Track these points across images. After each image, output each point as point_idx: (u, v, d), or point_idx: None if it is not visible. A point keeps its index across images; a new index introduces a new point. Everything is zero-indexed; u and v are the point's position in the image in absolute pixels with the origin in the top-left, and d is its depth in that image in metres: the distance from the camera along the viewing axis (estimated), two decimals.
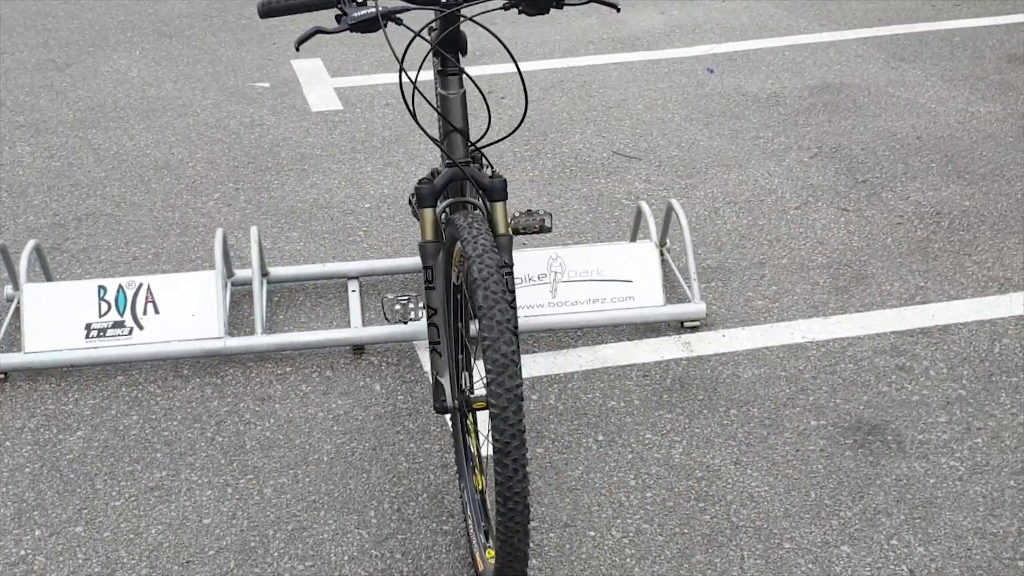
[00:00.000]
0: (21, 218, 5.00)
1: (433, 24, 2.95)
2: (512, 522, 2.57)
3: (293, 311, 4.22)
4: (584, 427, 3.55)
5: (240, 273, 4.28)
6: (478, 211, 2.85)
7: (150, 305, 3.91)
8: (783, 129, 5.73)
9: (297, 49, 2.72)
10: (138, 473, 3.39)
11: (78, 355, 3.84)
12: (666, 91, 6.30)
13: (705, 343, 3.97)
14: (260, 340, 3.90)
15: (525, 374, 3.80)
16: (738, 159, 5.41)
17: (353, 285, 4.26)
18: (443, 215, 2.95)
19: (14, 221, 4.97)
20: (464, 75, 2.90)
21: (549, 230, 3.67)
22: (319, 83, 6.57)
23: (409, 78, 2.74)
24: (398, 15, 2.72)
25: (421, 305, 3.41)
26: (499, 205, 2.87)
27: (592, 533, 3.12)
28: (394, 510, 3.22)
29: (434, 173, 2.95)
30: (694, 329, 4.04)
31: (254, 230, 4.08)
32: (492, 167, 3.93)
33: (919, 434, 3.48)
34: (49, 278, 4.20)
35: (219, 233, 4.03)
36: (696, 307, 4.05)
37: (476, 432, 3.01)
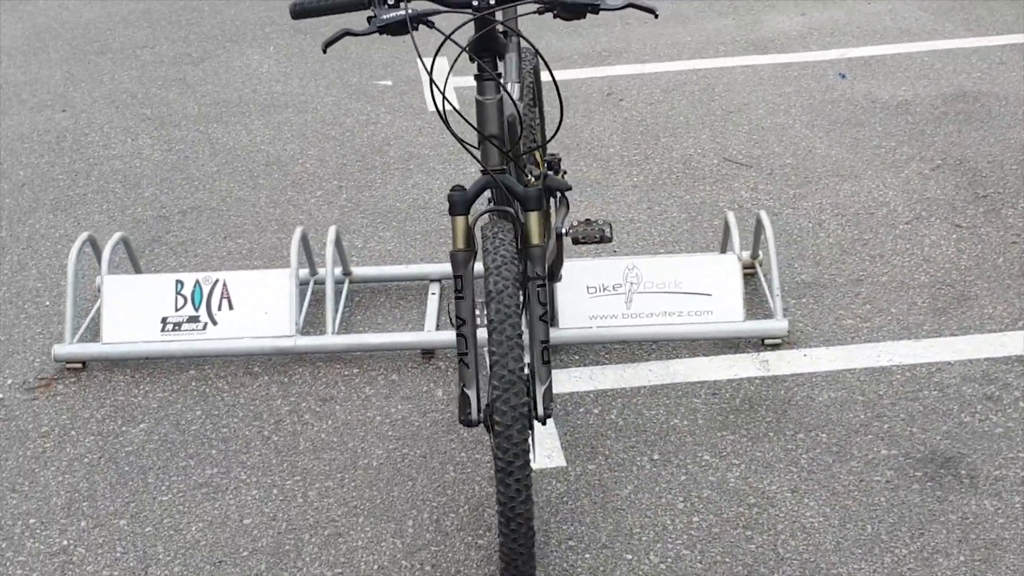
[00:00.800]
0: (130, 209, 5.11)
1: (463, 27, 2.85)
2: (515, 543, 2.49)
3: (372, 312, 4.20)
4: (641, 444, 3.44)
5: (325, 272, 4.29)
6: (507, 221, 2.77)
7: (225, 301, 3.95)
8: (908, 139, 5.48)
9: (324, 51, 2.69)
10: (190, 469, 3.42)
11: (152, 348, 3.90)
12: (792, 96, 6.10)
13: (784, 362, 3.81)
14: (330, 340, 3.89)
15: (590, 386, 3.71)
16: (854, 169, 5.19)
17: (434, 288, 4.23)
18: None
19: (122, 212, 5.09)
20: (498, 80, 2.81)
21: (609, 240, 3.59)
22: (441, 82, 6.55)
23: (437, 86, 2.67)
24: (429, 18, 2.66)
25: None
26: (533, 215, 2.79)
27: (629, 556, 3.02)
28: (432, 521, 3.17)
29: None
30: (775, 347, 3.89)
31: (332, 230, 4.08)
32: (559, 171, 3.85)
33: (996, 470, 3.27)
34: (137, 270, 4.28)
35: (297, 232, 4.04)
36: (777, 324, 3.89)
37: None
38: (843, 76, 6.36)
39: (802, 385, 3.69)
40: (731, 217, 4.07)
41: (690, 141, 5.60)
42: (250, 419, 3.63)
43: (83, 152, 5.76)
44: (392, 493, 3.28)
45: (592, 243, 3.56)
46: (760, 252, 4.33)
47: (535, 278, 2.80)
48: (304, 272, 4.25)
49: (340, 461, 3.43)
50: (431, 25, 2.67)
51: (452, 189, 2.79)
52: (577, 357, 3.88)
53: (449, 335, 3.88)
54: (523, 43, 3.95)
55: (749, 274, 4.26)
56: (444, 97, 2.71)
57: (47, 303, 4.34)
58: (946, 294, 4.16)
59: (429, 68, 2.67)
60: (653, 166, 5.34)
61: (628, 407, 3.62)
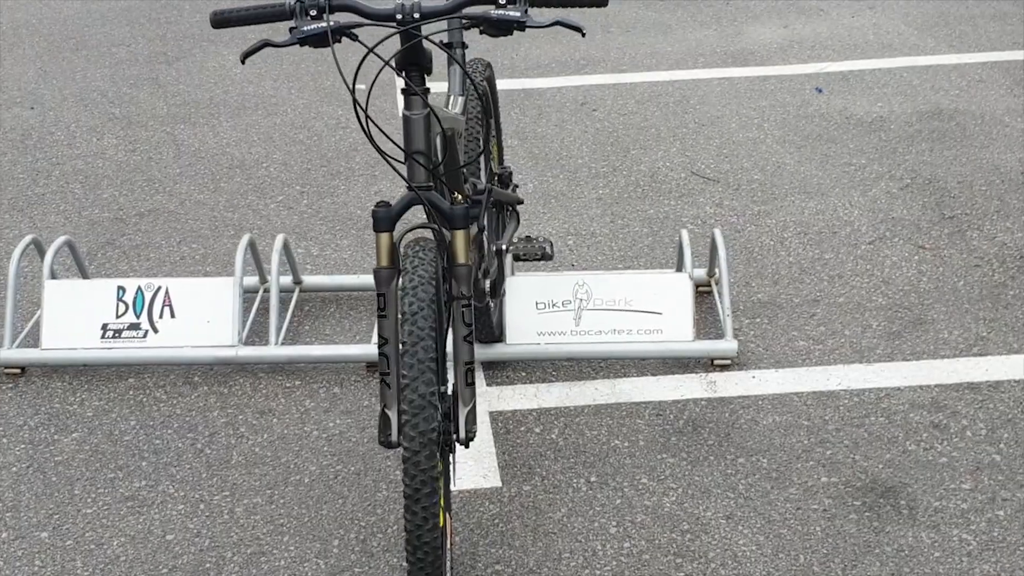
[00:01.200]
0: (87, 211, 5.06)
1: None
2: (422, 571, 2.43)
3: (321, 322, 4.14)
4: (579, 466, 3.38)
5: (281, 279, 4.22)
6: (431, 240, 2.70)
7: (167, 308, 3.89)
8: (879, 156, 5.41)
9: (243, 62, 2.63)
10: (118, 481, 3.36)
11: (91, 355, 3.84)
12: (766, 110, 6.03)
13: (732, 383, 3.75)
14: (272, 351, 3.83)
15: (534, 404, 3.65)
16: (822, 187, 5.13)
17: None
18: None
19: (79, 214, 5.03)
20: (424, 95, 2.74)
21: (550, 258, 3.54)
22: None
23: (359, 104, 2.60)
24: (352, 31, 2.60)
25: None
26: (459, 233, 2.73)
27: None
28: (359, 541, 3.10)
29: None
30: (724, 368, 3.82)
31: (279, 238, 4.01)
32: (510, 184, 3.79)
33: (936, 500, 3.20)
34: (83, 274, 4.21)
35: (244, 239, 3.98)
36: (727, 345, 3.83)
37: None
38: (820, 91, 6.30)
39: (748, 408, 3.63)
40: (685, 236, 4.01)
41: (659, 154, 5.54)
42: (184, 431, 3.57)
43: (47, 151, 5.70)
44: (321, 511, 3.22)
45: (532, 260, 3.51)
46: (716, 270, 4.26)
47: (460, 297, 2.73)
48: (254, 280, 4.19)
49: (271, 476, 3.36)
50: (354, 38, 2.61)
51: (376, 205, 2.72)
52: (524, 374, 3.82)
53: None
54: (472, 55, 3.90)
55: (705, 292, 4.20)
56: (366, 113, 2.64)
57: None
58: (902, 317, 4.10)
59: (351, 83, 2.60)
60: (620, 178, 5.28)
61: (570, 426, 3.56)
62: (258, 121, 6.01)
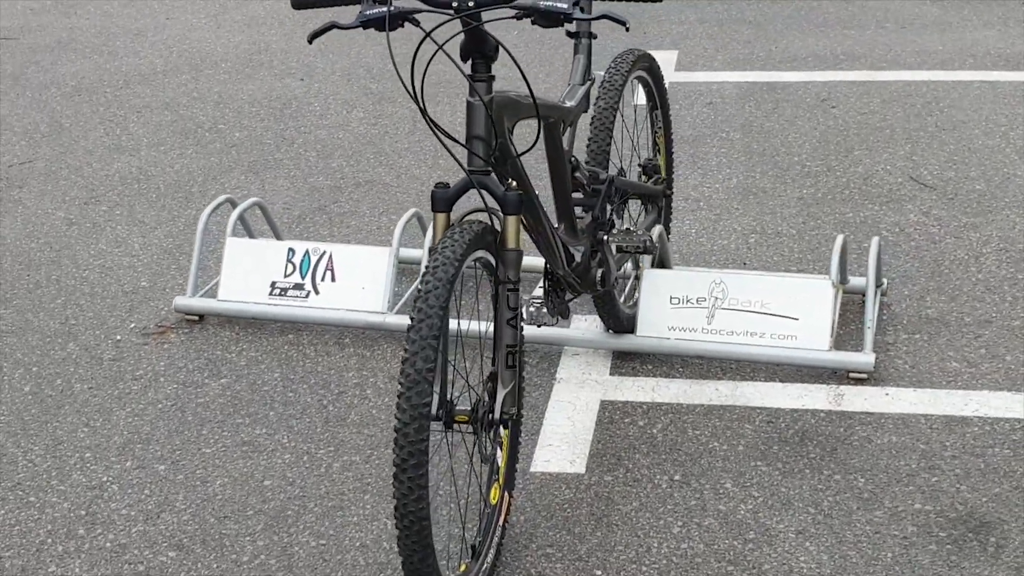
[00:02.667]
0: (312, 178, 5.40)
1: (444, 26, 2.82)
2: (409, 540, 2.53)
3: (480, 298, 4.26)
4: (668, 463, 3.36)
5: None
6: (472, 222, 2.76)
7: (329, 272, 4.13)
8: None
9: (310, 42, 2.78)
10: (243, 427, 3.61)
11: (259, 309, 4.13)
12: (1020, 118, 5.68)
13: (861, 398, 3.61)
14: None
15: (648, 398, 3.65)
16: None
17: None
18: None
19: (304, 180, 5.37)
20: (490, 82, 2.80)
21: (651, 251, 3.52)
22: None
23: (406, 87, 2.67)
24: (413, 15, 2.70)
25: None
26: (510, 219, 2.79)
27: (598, 572, 2.98)
28: (432, 509, 3.22)
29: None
30: (860, 382, 3.68)
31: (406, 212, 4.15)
32: (652, 177, 3.78)
33: None
34: (277, 235, 4.52)
35: (408, 213, 4.16)
36: (863, 358, 3.69)
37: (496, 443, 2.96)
38: None
39: (867, 425, 3.49)
40: (839, 241, 3.87)
41: (884, 156, 5.33)
42: (318, 387, 3.79)
43: (299, 120, 6.10)
44: None
45: (633, 252, 3.50)
46: (884, 280, 4.10)
47: (506, 282, 2.80)
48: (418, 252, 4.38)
49: (377, 438, 3.53)
50: (416, 23, 2.71)
51: (436, 185, 2.82)
52: (650, 367, 3.82)
53: (529, 330, 3.88)
54: (636, 48, 3.91)
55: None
56: (422, 97, 2.73)
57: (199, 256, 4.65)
58: None
59: (410, 70, 2.70)
60: (830, 179, 5.12)
61: (675, 423, 3.54)
62: None
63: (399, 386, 2.51)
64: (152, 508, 3.27)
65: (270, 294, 4.15)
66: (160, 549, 3.11)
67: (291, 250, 4.19)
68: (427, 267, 2.61)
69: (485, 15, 2.71)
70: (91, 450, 3.53)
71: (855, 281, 4.04)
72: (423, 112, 2.74)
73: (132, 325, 4.22)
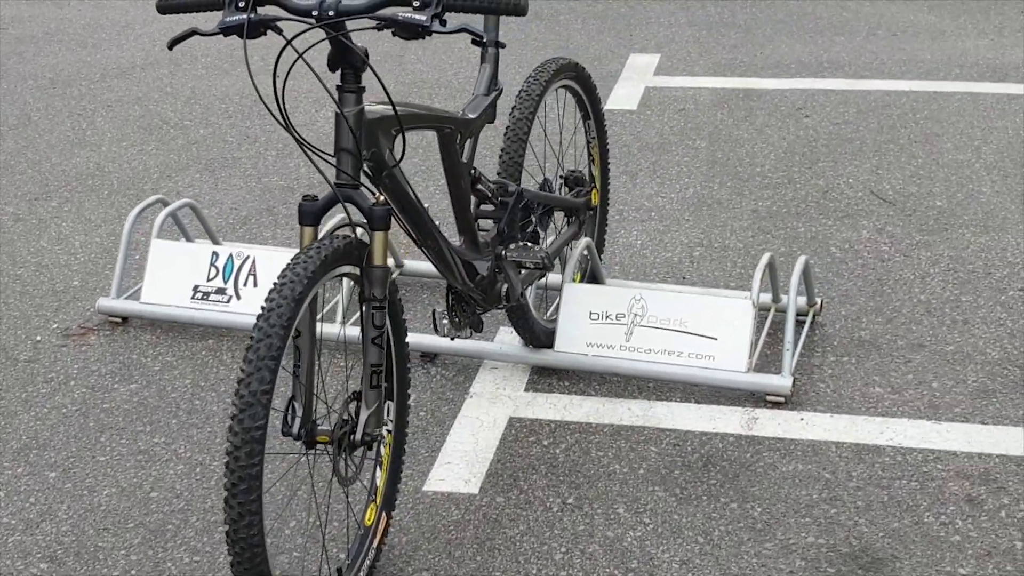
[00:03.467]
0: (267, 178, 5.33)
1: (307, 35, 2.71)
2: (240, 565, 2.45)
3: (410, 307, 4.20)
4: (564, 485, 3.27)
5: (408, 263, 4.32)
6: (347, 238, 2.68)
7: (252, 277, 4.06)
8: None
9: (170, 48, 2.71)
10: (142, 435, 3.55)
11: (180, 312, 4.07)
12: (995, 132, 5.53)
13: (774, 423, 3.50)
14: (335, 329, 3.92)
15: (556, 416, 3.56)
16: (1007, 222, 4.66)
17: None
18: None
19: (259, 180, 5.31)
20: (359, 93, 2.72)
21: (548, 268, 3.42)
22: (636, 79, 6.41)
23: (269, 101, 2.60)
24: (275, 23, 2.62)
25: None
26: (378, 235, 2.71)
27: None
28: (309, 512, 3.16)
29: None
30: (776, 405, 3.58)
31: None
32: (575, 189, 3.70)
33: None
34: (212, 238, 4.45)
35: (335, 219, 4.09)
36: (779, 381, 3.58)
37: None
38: None
39: (775, 451, 3.39)
40: (765, 259, 3.76)
41: (848, 169, 5.21)
42: (227, 395, 3.73)
43: (265, 118, 6.03)
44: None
45: (532, 269, 3.41)
46: (818, 299, 3.99)
47: (371, 299, 2.72)
48: None
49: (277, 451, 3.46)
50: (278, 31, 2.63)
51: (303, 198, 2.74)
52: (566, 384, 3.73)
53: (457, 343, 3.80)
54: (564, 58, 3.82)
55: (801, 322, 3.93)
56: (284, 108, 2.66)
57: (136, 257, 4.61)
58: (1007, 376, 3.68)
59: (273, 76, 2.63)
60: (788, 192, 5.00)
61: (579, 444, 3.45)
62: None
63: (232, 407, 2.43)
64: (34, 517, 3.21)
65: (192, 298, 4.09)
66: (32, 560, 3.05)
67: (215, 254, 4.13)
68: (274, 284, 2.53)
69: (346, 25, 2.62)
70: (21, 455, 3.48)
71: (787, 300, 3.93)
72: (286, 124, 2.67)
73: (55, 326, 4.17)
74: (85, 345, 4.04)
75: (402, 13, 2.59)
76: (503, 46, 3.42)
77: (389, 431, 3.04)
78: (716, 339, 3.65)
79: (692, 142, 5.56)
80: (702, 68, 6.58)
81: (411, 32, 2.60)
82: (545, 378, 3.76)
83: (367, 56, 2.70)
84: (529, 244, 3.40)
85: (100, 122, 6.09)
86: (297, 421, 2.71)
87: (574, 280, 3.99)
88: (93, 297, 4.32)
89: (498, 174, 3.52)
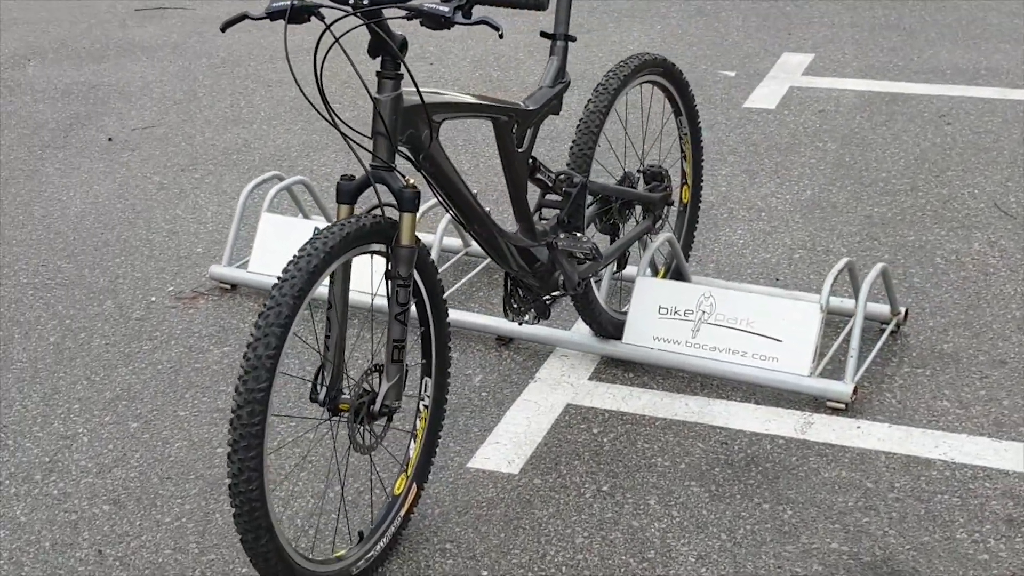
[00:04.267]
0: None
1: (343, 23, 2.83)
2: (240, 519, 2.60)
3: (492, 290, 4.30)
4: (603, 473, 3.33)
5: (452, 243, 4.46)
6: (376, 217, 2.80)
7: None
8: None
9: (223, 31, 2.87)
10: (224, 395, 3.77)
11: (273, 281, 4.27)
12: None
13: (828, 430, 3.48)
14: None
15: (613, 406, 3.62)
16: None
17: None
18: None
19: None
20: (396, 79, 2.84)
21: (593, 259, 3.47)
22: (783, 79, 6.36)
23: (296, 76, 2.74)
24: (319, 10, 2.76)
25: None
26: (406, 216, 2.82)
27: (484, 573, 2.99)
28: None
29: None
30: (836, 412, 3.55)
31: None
32: (652, 184, 3.75)
33: None
34: (326, 215, 4.65)
35: (444, 221, 4.23)
36: (839, 388, 3.55)
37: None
38: None
39: (823, 456, 3.37)
40: (840, 264, 3.73)
41: (977, 179, 5.07)
42: (308, 363, 3.91)
43: None
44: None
45: (579, 258, 3.46)
46: (902, 309, 3.92)
47: (396, 278, 2.84)
48: (458, 242, 4.45)
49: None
50: (320, 18, 2.77)
51: (341, 177, 2.88)
52: (631, 375, 3.78)
53: (528, 328, 3.90)
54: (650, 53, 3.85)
55: (882, 330, 3.89)
56: (323, 92, 2.80)
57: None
58: None
59: (315, 63, 2.77)
60: (908, 200, 4.91)
61: (628, 434, 3.50)
62: None
63: (240, 368, 2.59)
64: (108, 462, 3.46)
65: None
66: (97, 502, 3.30)
67: (317, 228, 4.31)
68: (294, 256, 2.68)
69: (364, 17, 2.73)
70: (81, 402, 3.75)
71: (872, 308, 3.88)
72: (326, 107, 2.81)
73: (170, 288, 4.45)
74: (192, 308, 4.29)
75: (428, 4, 2.70)
76: (573, 39, 3.48)
77: (426, 406, 3.18)
78: (781, 341, 3.64)
79: (823, 144, 5.49)
80: (853, 70, 6.46)
81: (435, 22, 2.71)
82: (611, 368, 3.82)
83: (406, 44, 2.82)
84: (578, 235, 3.47)
85: (257, 101, 6.39)
86: (324, 389, 2.86)
87: (656, 275, 4.04)
88: (210, 264, 4.58)
89: (567, 165, 3.59)
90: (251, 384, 2.56)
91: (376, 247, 2.84)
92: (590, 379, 3.78)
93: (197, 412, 3.69)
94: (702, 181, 4.22)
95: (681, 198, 4.19)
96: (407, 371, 2.94)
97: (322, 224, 4.33)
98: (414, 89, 2.89)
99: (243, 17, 2.86)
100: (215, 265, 4.45)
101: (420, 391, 3.18)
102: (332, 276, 2.85)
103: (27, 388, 3.83)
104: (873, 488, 3.23)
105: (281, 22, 2.78)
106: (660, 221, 3.96)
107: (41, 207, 5.18)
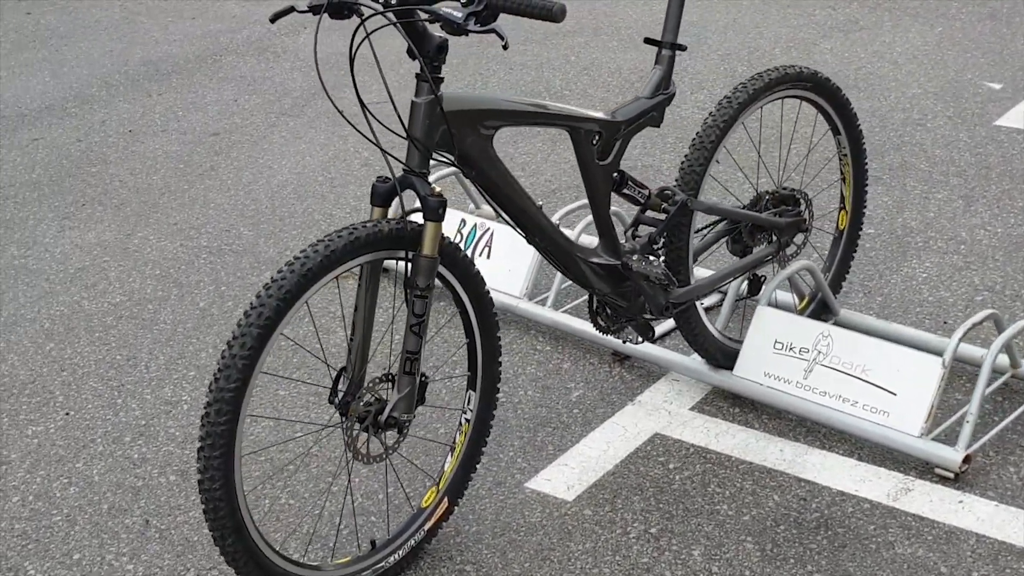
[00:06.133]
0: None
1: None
2: (207, 516, 2.60)
3: None
4: (656, 513, 3.12)
5: None
6: (390, 223, 2.70)
7: (487, 249, 4.17)
8: None
9: (272, 22, 2.83)
10: (327, 377, 3.78)
11: None
12: None
13: (924, 500, 3.12)
14: (541, 312, 3.96)
15: (701, 442, 3.39)
16: None
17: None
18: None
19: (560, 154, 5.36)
20: (432, 81, 2.72)
21: (666, 284, 3.23)
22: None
23: (320, 75, 2.67)
24: (358, 5, 2.68)
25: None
26: (430, 225, 2.71)
27: None
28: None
29: None
30: (944, 480, 3.18)
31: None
32: (792, 208, 3.49)
33: None
34: (476, 205, 4.57)
35: (575, 204, 4.10)
36: (948, 454, 3.18)
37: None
38: None
39: (905, 529, 3.02)
40: (979, 316, 3.33)
41: None
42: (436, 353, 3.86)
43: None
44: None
45: (652, 282, 3.22)
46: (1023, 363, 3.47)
47: (413, 287, 2.74)
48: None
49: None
50: (359, 14, 2.69)
51: (377, 179, 2.80)
52: (735, 410, 3.53)
53: (646, 347, 3.71)
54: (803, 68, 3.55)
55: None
56: (357, 90, 2.72)
57: None
58: None
59: (350, 61, 2.70)
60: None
61: (703, 475, 3.26)
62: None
63: (214, 380, 2.56)
64: (194, 433, 3.55)
65: None
66: (168, 471, 3.39)
67: (463, 221, 4.27)
68: (293, 256, 2.64)
69: (394, 16, 2.63)
70: (197, 370, 3.87)
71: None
72: (360, 104, 2.74)
73: None
74: (336, 288, 4.34)
75: (445, 8, 2.58)
76: (682, 48, 3.25)
77: (468, 420, 3.07)
78: (895, 395, 3.29)
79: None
80: None
81: (449, 28, 2.59)
82: (717, 400, 3.58)
83: (445, 47, 2.71)
84: (652, 258, 3.25)
85: (494, 83, 6.39)
86: (341, 392, 2.81)
87: (797, 307, 3.76)
88: None
89: (676, 182, 3.37)
90: (221, 383, 2.54)
91: (395, 253, 2.75)
92: (691, 409, 3.55)
93: (295, 395, 3.72)
94: (864, 206, 3.87)
95: (838, 223, 3.87)
96: (425, 384, 2.84)
97: (461, 215, 4.26)
98: (461, 95, 2.78)
99: (291, 10, 2.83)
100: None
101: (464, 404, 3.07)
102: (360, 279, 2.79)
103: (158, 350, 3.98)
104: (947, 573, 2.87)
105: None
106: (795, 248, 3.65)
107: (251, 173, 5.38)
